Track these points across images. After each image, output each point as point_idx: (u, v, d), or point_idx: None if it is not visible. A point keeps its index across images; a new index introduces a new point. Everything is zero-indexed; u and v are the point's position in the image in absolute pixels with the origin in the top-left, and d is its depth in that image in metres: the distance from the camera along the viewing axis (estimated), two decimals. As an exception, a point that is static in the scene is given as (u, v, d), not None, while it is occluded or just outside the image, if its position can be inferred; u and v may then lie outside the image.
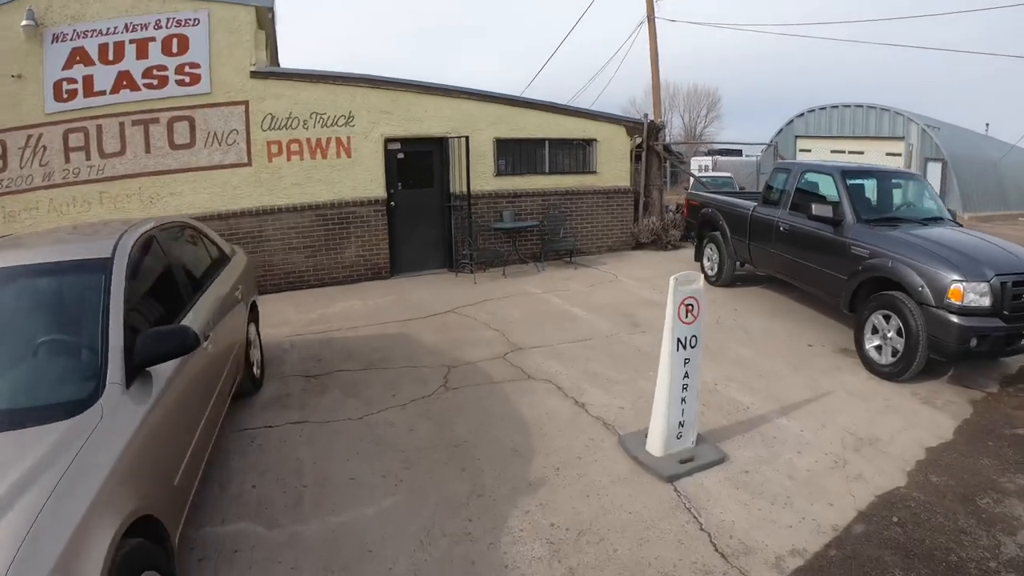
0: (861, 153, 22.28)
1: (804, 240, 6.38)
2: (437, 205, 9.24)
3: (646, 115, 12.08)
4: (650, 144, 11.76)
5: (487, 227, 9.38)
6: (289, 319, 7.05)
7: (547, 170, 10.11)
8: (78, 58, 7.78)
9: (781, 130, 26.28)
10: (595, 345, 5.83)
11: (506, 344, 5.88)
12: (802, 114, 25.71)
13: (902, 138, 21.55)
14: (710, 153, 31.84)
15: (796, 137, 25.40)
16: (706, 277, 8.31)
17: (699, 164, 28.74)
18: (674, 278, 3.46)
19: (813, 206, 6.05)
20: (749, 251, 7.55)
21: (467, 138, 8.84)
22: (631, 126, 11.15)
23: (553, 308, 7.20)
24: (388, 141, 8.73)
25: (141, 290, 3.01)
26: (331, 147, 8.43)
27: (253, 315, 5.06)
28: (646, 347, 5.69)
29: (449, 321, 6.71)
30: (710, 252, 8.57)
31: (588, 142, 10.54)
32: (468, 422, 4.25)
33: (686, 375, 3.59)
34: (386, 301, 7.68)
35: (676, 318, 3.50)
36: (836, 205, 5.94)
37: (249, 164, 8.24)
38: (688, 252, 10.28)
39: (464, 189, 9.00)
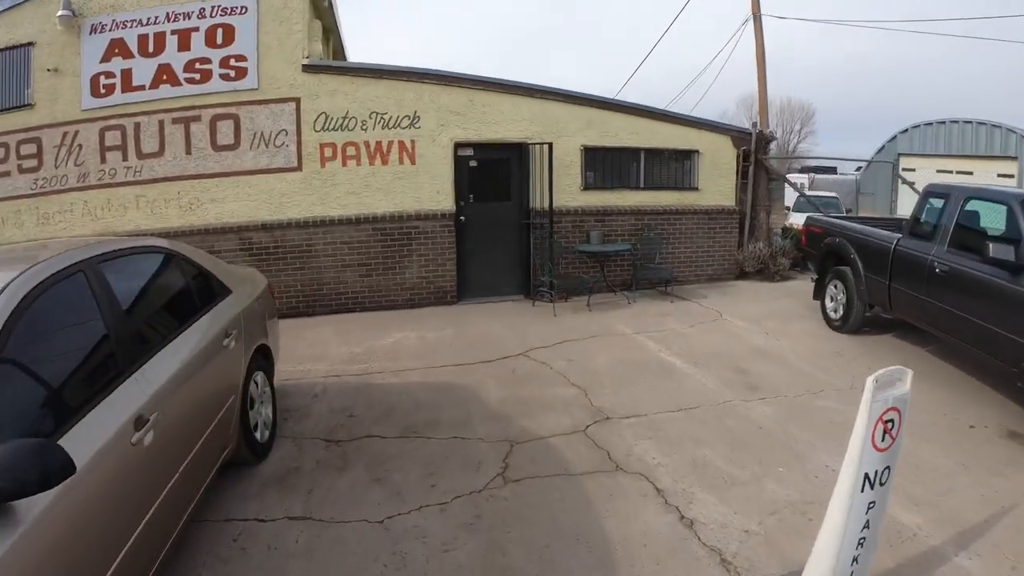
0: (970, 173, 19.63)
1: (970, 287, 4.67)
2: (514, 222, 7.89)
3: (754, 124, 10.33)
4: (759, 158, 9.99)
5: (571, 249, 7.94)
6: (329, 352, 5.86)
7: (641, 184, 8.58)
8: (117, 50, 7.05)
9: (883, 147, 23.84)
10: (703, 417, 4.27)
11: (588, 409, 4.41)
12: (906, 130, 23.31)
13: (1015, 158, 18.82)
14: (804, 170, 29.16)
15: (899, 155, 22.82)
16: (828, 320, 6.72)
17: (795, 182, 26.19)
18: (872, 380, 2.05)
19: (989, 245, 4.41)
20: (889, 294, 5.82)
21: (551, 145, 7.47)
22: (738, 136, 9.45)
23: (647, 356, 5.65)
24: (459, 146, 7.49)
25: (31, 363, 1.77)
26: (393, 152, 7.28)
27: (262, 362, 3.81)
28: (769, 423, 4.13)
29: (519, 368, 5.30)
30: (834, 291, 6.82)
31: (689, 154, 8.93)
32: (529, 542, 2.86)
33: (867, 524, 2.19)
34: (447, 335, 6.36)
35: (868, 442, 2.10)
36: (1019, 245, 4.25)
37: (299, 169, 7.21)
38: (800, 285, 8.63)
39: (546, 204, 7.61)
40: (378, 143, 7.23)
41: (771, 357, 5.58)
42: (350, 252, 7.32)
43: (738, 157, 9.37)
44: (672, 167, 8.92)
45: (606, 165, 8.33)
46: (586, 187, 8.13)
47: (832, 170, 28.27)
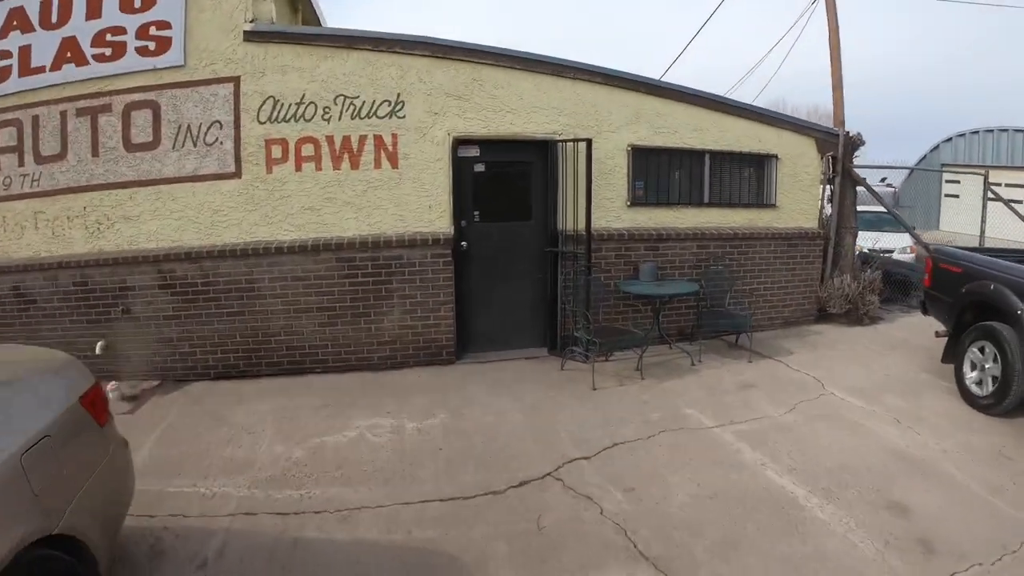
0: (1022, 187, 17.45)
1: None
2: (535, 250, 5.77)
3: (843, 123, 8.14)
4: (847, 167, 7.80)
5: (612, 286, 5.80)
6: (255, 455, 3.78)
7: (706, 199, 6.44)
8: (15, 22, 5.15)
9: (925, 156, 21.77)
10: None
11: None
12: (949, 139, 21.38)
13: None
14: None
15: (942, 166, 20.66)
16: (967, 395, 4.70)
17: (882, 196, 23.95)
18: None
19: None
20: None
21: (588, 142, 5.33)
22: (824, 139, 7.29)
23: (748, 480, 3.52)
24: (459, 144, 5.39)
25: None
26: (366, 151, 5.20)
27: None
28: None
29: (548, 513, 3.17)
30: (979, 355, 4.71)
31: (763, 159, 6.78)
32: None
33: None
34: (435, 427, 4.24)
35: None
36: None
37: (237, 175, 5.17)
38: (898, 330, 6.81)
39: (579, 225, 5.48)
40: (346, 139, 5.15)
41: (924, 470, 3.59)
42: (306, 291, 5.23)
43: (828, 164, 7.20)
44: (742, 177, 6.77)
45: (660, 172, 6.19)
46: (634, 202, 5.99)
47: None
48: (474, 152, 5.45)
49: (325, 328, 5.31)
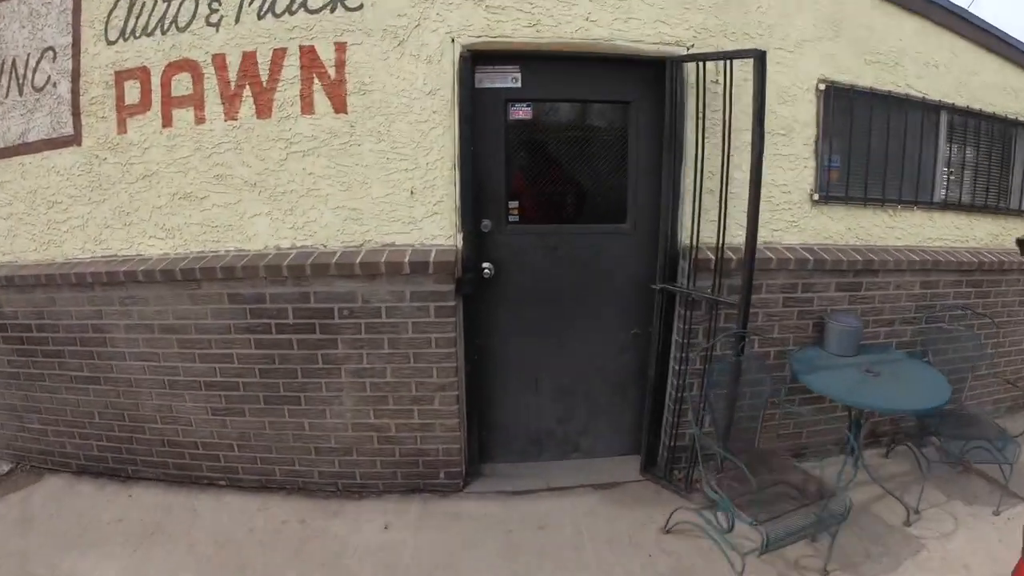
0: None
1: None
2: (629, 282, 2.92)
3: None
4: None
5: (773, 358, 2.84)
6: None
7: (939, 195, 3.27)
8: None
9: None
10: None
11: None
12: None
13: None
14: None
15: None
16: None
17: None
18: None
19: None
20: None
21: (759, 59, 2.34)
22: None
23: None
24: (477, 62, 2.62)
25: None
26: (285, 79, 2.57)
27: None
28: None
29: None
30: None
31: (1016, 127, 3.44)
32: None
33: None
34: None
35: None
36: None
37: (76, 139, 2.80)
38: None
39: (725, 238, 2.54)
40: (248, 58, 2.57)
41: None
42: (185, 353, 2.78)
43: None
44: (989, 159, 3.50)
45: (867, 139, 3.07)
46: (826, 195, 2.95)
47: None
48: (508, 79, 2.67)
49: (223, 418, 2.85)
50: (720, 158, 2.51)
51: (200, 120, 2.62)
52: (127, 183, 2.74)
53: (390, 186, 2.57)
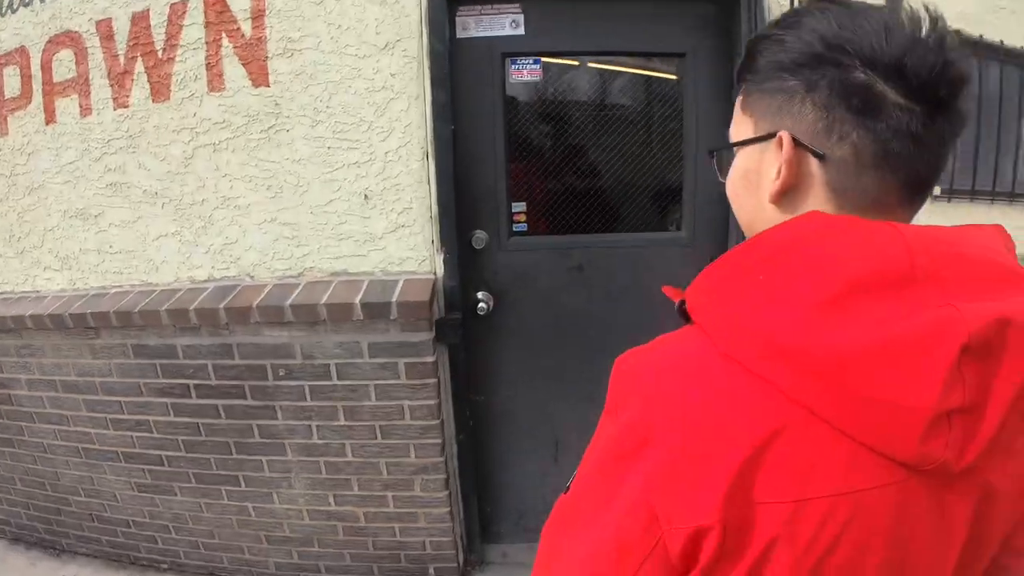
0: None
1: None
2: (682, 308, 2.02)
3: None
4: None
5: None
6: None
7: None
8: None
9: None
10: None
11: None
12: None
13: None
14: None
15: None
16: None
17: None
18: None
19: None
20: None
21: None
22: None
23: None
24: None
25: None
26: (186, 44, 1.81)
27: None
28: None
29: None
30: None
31: None
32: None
33: None
34: None
35: None
36: None
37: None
38: None
39: None
40: (139, 20, 1.82)
41: None
42: (95, 416, 2.12)
43: None
44: None
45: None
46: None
47: None
48: (506, 23, 1.82)
49: (151, 496, 2.19)
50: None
51: (86, 111, 1.91)
52: (15, 199, 2.09)
53: (334, 189, 1.79)
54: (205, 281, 1.91)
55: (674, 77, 1.95)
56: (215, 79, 1.78)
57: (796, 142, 0.47)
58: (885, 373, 0.39)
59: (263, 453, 1.99)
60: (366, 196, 1.78)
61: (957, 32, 1.84)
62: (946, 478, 0.41)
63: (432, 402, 1.83)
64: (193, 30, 1.78)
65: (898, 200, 0.48)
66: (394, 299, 1.69)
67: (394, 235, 1.81)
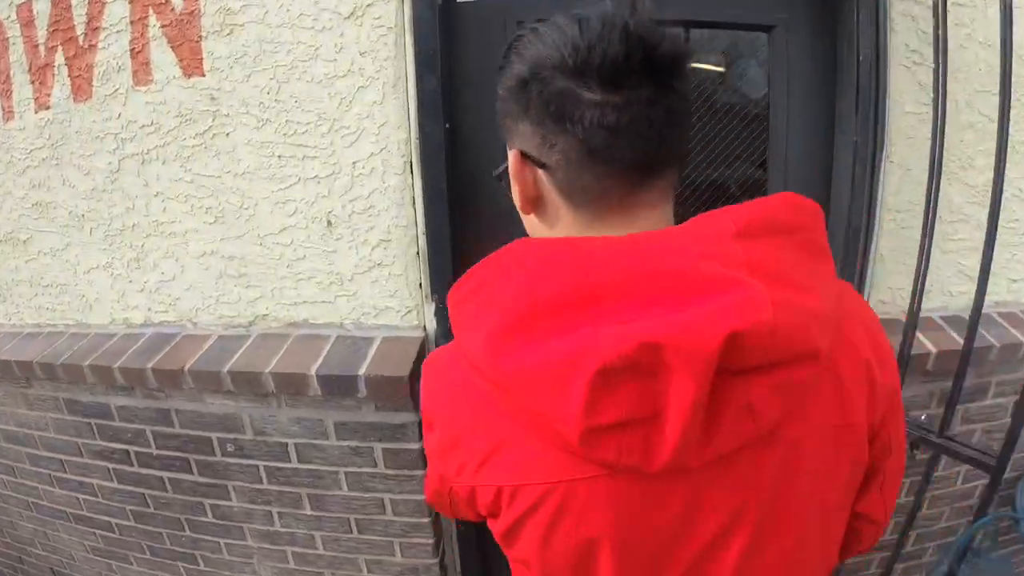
0: None
1: None
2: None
3: None
4: None
5: None
6: None
7: None
8: None
9: None
10: None
11: None
12: None
13: None
14: None
15: None
16: None
17: None
18: None
19: None
20: None
21: None
22: None
23: None
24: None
25: None
26: (110, 29, 1.39)
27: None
28: None
29: None
30: None
31: None
32: None
33: None
34: None
35: None
36: None
37: None
38: None
39: (954, 292, 1.07)
40: (59, 2, 1.44)
41: None
42: (40, 471, 1.81)
43: None
44: None
45: None
46: None
47: None
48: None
49: (107, 561, 1.87)
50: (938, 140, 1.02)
51: (8, 115, 1.55)
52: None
53: (288, 212, 1.35)
54: (142, 325, 1.52)
55: (720, 69, 1.41)
56: (141, 69, 1.36)
57: (524, 156, 0.54)
58: (540, 392, 0.46)
59: (219, 536, 1.61)
60: (329, 222, 1.33)
61: None
62: (652, 476, 0.47)
63: (421, 497, 1.39)
64: (117, 6, 1.37)
65: (630, 185, 0.51)
66: (362, 372, 1.24)
67: (367, 276, 1.35)
